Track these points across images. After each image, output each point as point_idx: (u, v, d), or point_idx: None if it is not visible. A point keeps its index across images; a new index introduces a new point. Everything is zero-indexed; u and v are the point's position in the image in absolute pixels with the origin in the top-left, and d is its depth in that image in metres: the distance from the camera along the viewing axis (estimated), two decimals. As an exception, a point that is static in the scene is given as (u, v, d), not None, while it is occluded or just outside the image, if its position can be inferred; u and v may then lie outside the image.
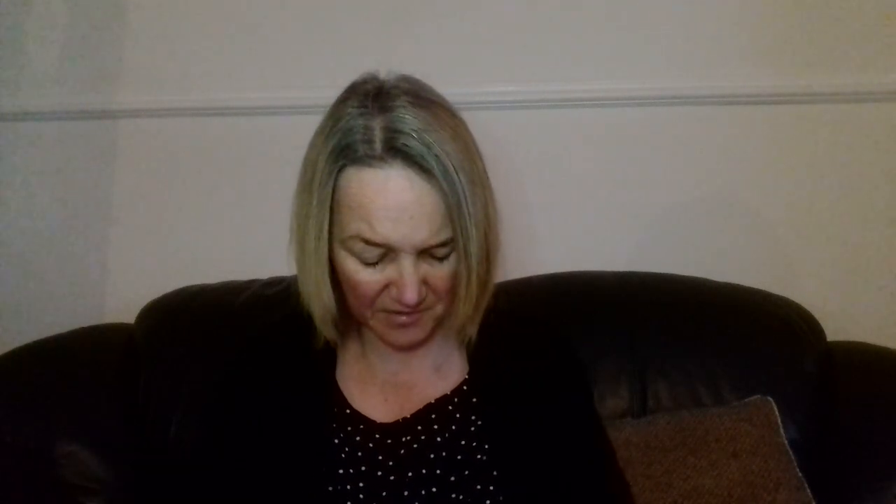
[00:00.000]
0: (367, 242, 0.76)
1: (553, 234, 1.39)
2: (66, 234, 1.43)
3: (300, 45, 1.35)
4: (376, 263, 0.78)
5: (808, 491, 1.04)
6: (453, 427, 0.86)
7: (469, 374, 0.90)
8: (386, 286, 0.79)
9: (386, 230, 0.75)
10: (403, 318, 0.82)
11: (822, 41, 1.32)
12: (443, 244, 0.77)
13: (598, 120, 1.36)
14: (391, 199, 0.75)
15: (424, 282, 0.79)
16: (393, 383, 0.91)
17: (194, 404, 1.16)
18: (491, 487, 0.82)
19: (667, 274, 1.28)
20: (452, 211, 0.75)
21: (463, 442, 0.85)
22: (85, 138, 1.40)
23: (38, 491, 1.07)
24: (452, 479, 0.83)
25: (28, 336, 1.24)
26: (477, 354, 0.90)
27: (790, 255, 1.39)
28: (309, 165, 0.80)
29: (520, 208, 1.36)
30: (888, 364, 1.16)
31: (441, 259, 0.79)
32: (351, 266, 0.79)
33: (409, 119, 0.75)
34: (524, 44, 1.34)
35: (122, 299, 1.40)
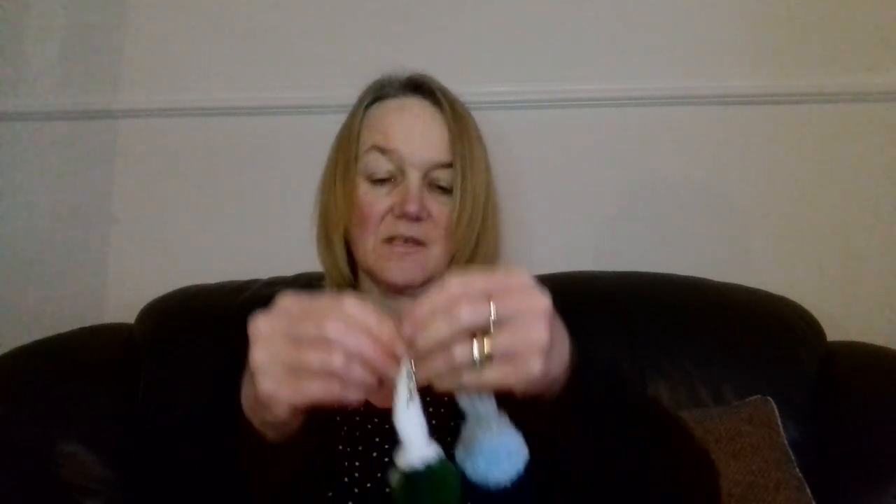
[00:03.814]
0: (381, 151, 0.91)
1: (553, 233, 1.39)
2: (66, 234, 1.43)
3: (300, 45, 1.35)
4: (385, 182, 0.91)
5: (808, 491, 1.04)
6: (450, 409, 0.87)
7: None
8: (391, 209, 0.90)
9: (398, 141, 0.90)
10: (401, 249, 0.90)
11: (823, 41, 1.32)
12: (447, 165, 0.91)
13: (598, 120, 1.36)
14: (406, 120, 0.92)
15: (427, 212, 0.90)
16: None
17: (194, 404, 1.16)
18: None
19: (667, 274, 1.27)
20: (456, 140, 0.91)
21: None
22: (85, 138, 1.40)
23: (38, 491, 1.07)
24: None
25: (28, 336, 1.24)
26: None
27: (790, 255, 1.39)
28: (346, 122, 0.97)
29: (520, 208, 1.36)
30: (888, 364, 1.16)
31: (444, 190, 0.92)
32: (363, 189, 0.92)
33: (430, 78, 0.95)
34: (524, 44, 1.34)
35: (122, 299, 1.40)
